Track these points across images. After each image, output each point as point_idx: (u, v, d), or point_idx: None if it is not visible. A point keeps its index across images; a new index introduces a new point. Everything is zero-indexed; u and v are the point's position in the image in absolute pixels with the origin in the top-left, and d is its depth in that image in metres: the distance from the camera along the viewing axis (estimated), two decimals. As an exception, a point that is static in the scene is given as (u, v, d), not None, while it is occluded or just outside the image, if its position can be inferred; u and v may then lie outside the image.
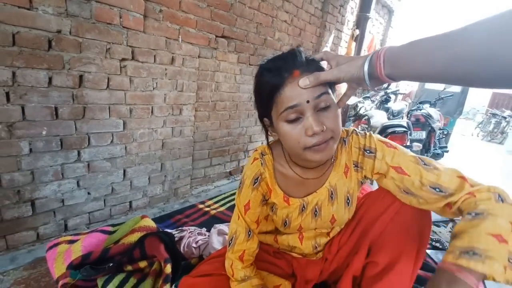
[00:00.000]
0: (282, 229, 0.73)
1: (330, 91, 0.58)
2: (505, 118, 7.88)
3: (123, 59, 1.43)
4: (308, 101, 0.54)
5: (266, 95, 0.58)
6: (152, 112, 1.65)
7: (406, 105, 4.55)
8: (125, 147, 1.57)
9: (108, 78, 1.39)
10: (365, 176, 0.70)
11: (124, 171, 1.61)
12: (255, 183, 0.65)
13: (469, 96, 5.60)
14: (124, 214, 1.69)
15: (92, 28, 1.27)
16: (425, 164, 0.59)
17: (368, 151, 0.66)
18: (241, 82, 2.27)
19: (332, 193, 0.69)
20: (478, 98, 12.66)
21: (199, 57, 1.84)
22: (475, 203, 0.48)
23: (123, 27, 1.38)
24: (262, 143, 2.79)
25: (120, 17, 1.35)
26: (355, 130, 0.70)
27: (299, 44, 2.77)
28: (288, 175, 0.67)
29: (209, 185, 2.33)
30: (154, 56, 1.57)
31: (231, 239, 0.68)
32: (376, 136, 0.67)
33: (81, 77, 1.29)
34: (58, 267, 0.80)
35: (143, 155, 1.68)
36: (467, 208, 0.50)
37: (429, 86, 5.63)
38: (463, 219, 0.48)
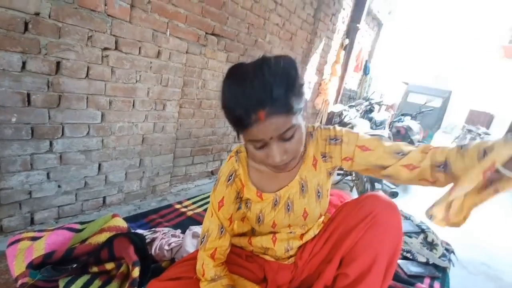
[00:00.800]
0: (256, 227, 0.74)
1: (296, 119, 0.57)
2: (479, 134, 8.27)
3: (106, 49, 1.37)
4: (271, 138, 0.56)
5: (232, 123, 0.59)
6: (133, 105, 1.59)
7: (389, 116, 4.70)
8: (102, 140, 1.51)
9: (88, 67, 1.33)
10: (334, 167, 0.73)
11: (100, 165, 1.55)
12: (229, 179, 0.68)
13: (448, 111, 5.86)
14: (96, 209, 1.62)
15: (74, 13, 1.20)
16: (384, 139, 0.67)
17: (334, 140, 0.70)
18: (229, 82, 2.25)
19: (303, 186, 0.72)
20: (457, 114, 13.29)
21: (187, 52, 1.80)
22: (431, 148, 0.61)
23: (108, 15, 1.32)
24: (246, 144, 2.78)
25: (105, 4, 1.30)
26: (320, 125, 0.74)
27: (287, 54, 2.78)
28: (261, 170, 0.70)
29: (189, 184, 2.28)
30: (139, 48, 1.51)
31: (203, 237, 0.69)
32: (340, 127, 0.73)
33: (58, 63, 1.22)
34: (18, 265, 0.74)
35: (121, 150, 1.62)
36: (446, 153, 0.57)
37: (412, 99, 5.84)
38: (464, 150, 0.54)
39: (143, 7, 1.46)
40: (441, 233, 1.57)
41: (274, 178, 0.70)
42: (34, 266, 0.64)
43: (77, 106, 1.34)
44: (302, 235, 0.77)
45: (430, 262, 1.14)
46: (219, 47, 2.03)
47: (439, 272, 1.10)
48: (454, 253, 1.33)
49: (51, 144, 1.30)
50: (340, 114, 3.89)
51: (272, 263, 0.79)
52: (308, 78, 3.29)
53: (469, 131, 8.58)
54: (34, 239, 0.77)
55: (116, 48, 1.41)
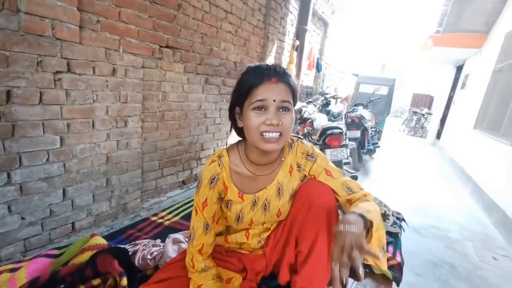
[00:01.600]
0: (235, 225, 0.83)
1: (292, 105, 0.73)
2: (423, 115, 9.27)
3: (58, 72, 1.35)
4: (274, 100, 0.68)
5: (245, 88, 0.70)
6: (93, 125, 1.58)
7: (344, 107, 5.08)
8: (64, 165, 1.47)
9: (40, 93, 1.30)
10: (304, 176, 0.86)
11: (64, 190, 1.51)
12: (212, 182, 0.75)
13: (395, 97, 6.46)
14: (66, 237, 1.57)
15: (20, 40, 1.18)
16: (345, 174, 0.83)
17: (311, 156, 0.84)
18: (189, 91, 2.29)
19: (279, 189, 0.82)
20: (403, 99, 14.65)
21: (143, 67, 1.82)
22: (365, 198, 0.76)
23: (57, 38, 1.31)
24: (214, 150, 2.83)
25: (53, 29, 1.28)
26: (300, 139, 0.87)
27: (247, 53, 2.91)
28: (242, 173, 0.78)
29: (161, 197, 2.28)
30: (93, 67, 1.51)
31: (190, 234, 0.77)
32: (317, 148, 0.87)
33: (8, 92, 1.18)
34: None
35: (85, 172, 1.59)
36: (360, 199, 0.75)
37: (363, 90, 6.33)
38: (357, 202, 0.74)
39: (92, 27, 1.46)
40: (395, 205, 1.80)
41: (254, 181, 0.80)
42: None
43: (33, 134, 1.30)
44: (270, 228, 0.88)
45: (384, 231, 1.33)
46: (175, 58, 2.08)
47: (392, 238, 1.28)
48: (404, 221, 1.55)
49: (9, 176, 1.25)
50: (300, 111, 4.12)
51: (248, 255, 0.89)
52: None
53: (415, 113, 9.54)
54: (13, 270, 0.76)
55: (68, 71, 1.39)
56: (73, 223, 1.60)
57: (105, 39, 1.53)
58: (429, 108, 10.28)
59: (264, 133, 0.68)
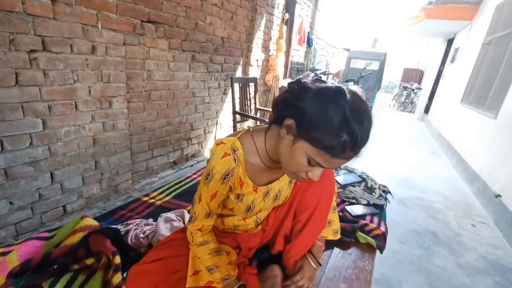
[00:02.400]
0: (243, 214, 0.81)
1: None
2: (413, 90, 9.32)
3: (32, 51, 1.27)
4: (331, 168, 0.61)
5: (322, 141, 0.55)
6: (76, 107, 1.52)
7: (336, 83, 5.03)
8: (49, 148, 1.44)
9: (16, 73, 1.23)
10: None
11: (52, 174, 1.49)
12: (225, 178, 0.68)
13: (385, 72, 6.44)
14: (58, 219, 1.57)
15: (-14, 16, 1.09)
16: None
17: None
18: (176, 70, 2.22)
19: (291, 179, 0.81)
20: (394, 74, 14.62)
21: (124, 44, 1.73)
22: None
23: (28, 14, 1.22)
24: (204, 130, 2.81)
25: (23, 3, 1.19)
26: None
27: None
28: (256, 165, 0.73)
29: (153, 177, 2.29)
30: (71, 45, 1.43)
31: (191, 217, 0.75)
32: None
33: (-21, 74, 1.12)
34: None
35: (71, 155, 1.56)
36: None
37: (354, 65, 6.27)
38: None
39: (66, 1, 1.36)
40: (382, 179, 1.86)
41: (267, 172, 0.75)
42: (14, 275, 0.65)
43: (12, 117, 1.25)
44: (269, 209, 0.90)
45: (371, 203, 1.38)
46: (159, 34, 1.98)
47: (377, 210, 1.34)
48: (390, 193, 1.61)
49: (-9, 161, 1.22)
50: (290, 88, 4.07)
51: (243, 234, 0.91)
52: (255, 55, 3.35)
53: (405, 88, 9.58)
54: (3, 254, 0.76)
55: (44, 49, 1.31)
56: (64, 206, 1.60)
57: (80, 13, 1.44)
58: (419, 83, 10.31)
59: (298, 176, 0.64)
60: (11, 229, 1.37)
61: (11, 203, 1.33)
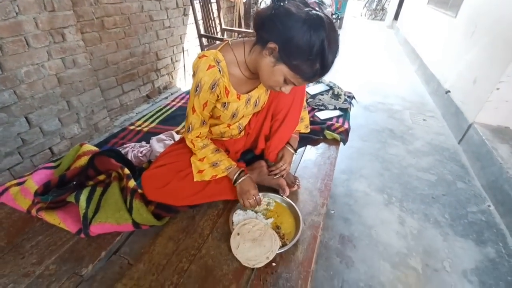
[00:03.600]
0: (228, 121, 0.92)
1: None
2: (384, -5, 8.88)
3: (-50, -24, 1.08)
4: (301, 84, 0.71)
5: (296, 63, 0.64)
6: (27, 43, 1.40)
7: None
8: (14, 92, 1.38)
9: None
10: None
11: (26, 118, 1.47)
12: (213, 87, 0.76)
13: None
14: (49, 161, 1.63)
15: None
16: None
17: None
18: (125, -11, 1.96)
19: None
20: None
21: (58, -39, 1.47)
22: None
23: None
24: (171, 59, 2.68)
25: None
26: None
27: None
28: (237, 76, 0.81)
29: (130, 113, 2.29)
30: (-5, -34, 1.21)
31: (188, 128, 0.85)
32: None
33: None
34: (22, 202, 0.80)
35: (40, 97, 1.51)
36: None
37: (322, -32, 5.68)
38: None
39: None
40: (349, 86, 2.02)
41: (246, 82, 0.84)
42: (40, 194, 0.76)
43: (-40, 60, 1.15)
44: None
45: (337, 108, 1.56)
46: None
47: (342, 112, 1.53)
48: (354, 98, 1.79)
49: (-43, 110, 1.18)
50: (255, 2, 3.77)
51: (229, 140, 1.05)
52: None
53: (376, -7, 9.08)
54: (19, 184, 0.85)
55: (-36, -27, 1.11)
56: (50, 148, 1.64)
57: None
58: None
59: (274, 88, 0.75)
60: (6, 175, 1.43)
61: (-4, 150, 1.35)
